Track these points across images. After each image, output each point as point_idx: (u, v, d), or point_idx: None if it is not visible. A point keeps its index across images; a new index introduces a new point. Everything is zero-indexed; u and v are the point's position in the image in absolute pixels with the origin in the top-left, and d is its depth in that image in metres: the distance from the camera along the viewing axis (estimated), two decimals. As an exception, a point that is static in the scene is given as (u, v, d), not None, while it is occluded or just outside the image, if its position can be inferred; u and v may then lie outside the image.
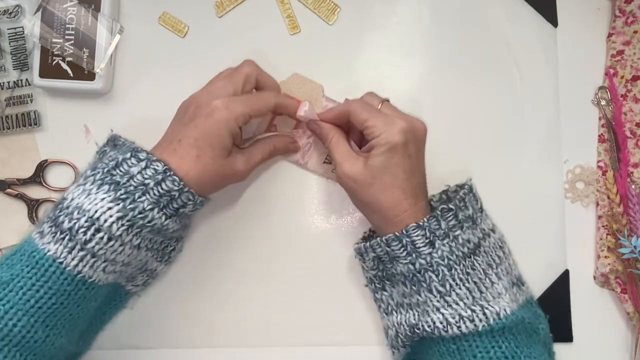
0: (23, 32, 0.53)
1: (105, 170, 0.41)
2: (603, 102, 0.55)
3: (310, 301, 0.53)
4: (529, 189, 0.54)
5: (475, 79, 0.55)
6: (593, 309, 0.54)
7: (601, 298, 0.54)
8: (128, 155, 0.42)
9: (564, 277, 0.54)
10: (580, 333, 0.53)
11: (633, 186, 0.53)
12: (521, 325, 0.42)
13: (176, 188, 0.42)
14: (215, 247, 0.53)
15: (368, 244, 0.46)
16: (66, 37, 0.51)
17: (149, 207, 0.41)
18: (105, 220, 0.39)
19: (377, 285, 0.49)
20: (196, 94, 0.46)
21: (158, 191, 0.41)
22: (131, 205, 0.40)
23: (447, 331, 0.41)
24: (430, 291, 0.42)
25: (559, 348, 0.50)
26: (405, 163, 0.44)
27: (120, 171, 0.41)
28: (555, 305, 0.53)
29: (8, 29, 0.54)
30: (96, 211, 0.39)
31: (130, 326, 0.53)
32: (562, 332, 0.53)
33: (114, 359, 0.53)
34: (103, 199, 0.40)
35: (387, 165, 0.43)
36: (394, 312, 0.48)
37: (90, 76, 0.52)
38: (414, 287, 0.43)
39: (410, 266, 0.43)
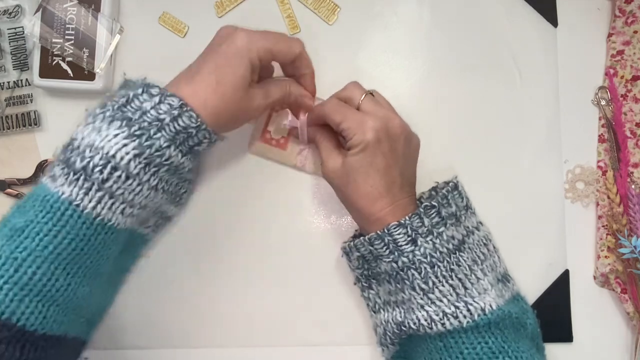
0: (23, 32, 0.53)
1: (116, 107, 0.39)
2: (603, 102, 0.55)
3: (310, 301, 0.53)
4: (529, 189, 0.54)
5: (475, 78, 0.55)
6: (593, 309, 0.54)
7: (601, 298, 0.54)
8: (139, 91, 0.40)
9: (564, 277, 0.54)
10: (580, 333, 0.53)
11: (633, 186, 0.53)
12: (508, 319, 0.42)
13: (193, 125, 0.40)
14: (214, 247, 0.53)
15: (352, 243, 0.47)
16: (66, 37, 0.51)
17: (165, 144, 0.39)
18: (122, 158, 0.37)
19: (364, 284, 0.50)
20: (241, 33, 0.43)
21: (174, 127, 0.39)
22: (147, 142, 0.38)
23: (431, 328, 0.41)
24: (414, 289, 0.42)
25: (559, 348, 0.50)
26: (378, 162, 0.43)
27: (132, 107, 0.39)
28: (555, 305, 0.53)
29: (8, 29, 0.54)
30: (111, 148, 0.37)
31: (130, 326, 0.53)
32: (562, 332, 0.53)
33: (114, 359, 0.53)
34: (117, 134, 0.37)
35: (361, 165, 0.43)
36: (382, 310, 0.48)
37: (90, 76, 0.52)
38: (398, 285, 0.44)
39: (394, 264, 0.43)
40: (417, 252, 0.42)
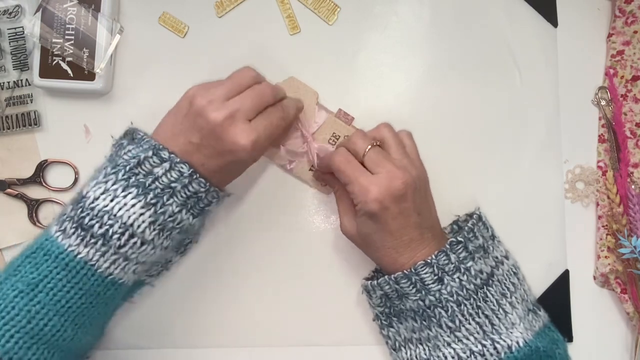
0: (23, 32, 0.53)
1: (128, 169, 0.41)
2: (603, 102, 0.55)
3: (310, 301, 0.53)
4: (529, 189, 0.54)
5: (475, 79, 0.55)
6: (593, 309, 0.54)
7: (601, 298, 0.54)
8: (150, 153, 0.41)
9: (564, 277, 0.54)
10: (580, 333, 0.53)
11: (633, 186, 0.53)
12: (535, 355, 0.42)
13: (203, 189, 0.42)
14: (215, 248, 0.53)
15: (376, 282, 0.46)
16: (66, 37, 0.51)
17: (177, 209, 0.42)
18: (139, 226, 0.40)
19: (384, 322, 0.49)
20: (200, 101, 0.42)
21: (185, 193, 0.42)
22: (161, 210, 0.41)
23: None
24: (440, 326, 0.43)
25: (559, 348, 0.50)
26: (390, 225, 0.43)
27: (143, 170, 0.41)
28: (555, 305, 0.53)
29: (8, 29, 0.54)
30: (129, 217, 0.40)
31: (130, 326, 0.53)
32: (562, 332, 0.53)
33: (114, 359, 0.53)
34: (134, 204, 0.40)
35: (372, 231, 0.44)
36: (402, 348, 0.48)
37: (90, 76, 0.52)
38: (424, 322, 0.44)
39: (420, 302, 0.43)
40: (443, 291, 0.42)
